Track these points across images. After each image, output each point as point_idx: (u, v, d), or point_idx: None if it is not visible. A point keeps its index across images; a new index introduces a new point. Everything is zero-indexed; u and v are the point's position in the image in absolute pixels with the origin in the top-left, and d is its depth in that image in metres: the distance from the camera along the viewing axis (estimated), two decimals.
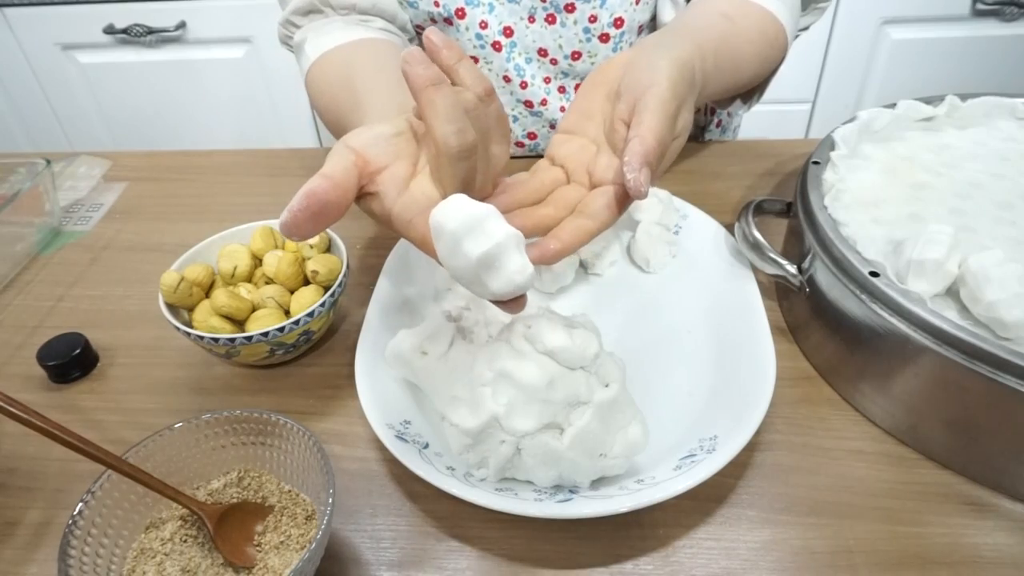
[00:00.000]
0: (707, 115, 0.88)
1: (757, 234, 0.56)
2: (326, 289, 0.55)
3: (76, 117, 1.59)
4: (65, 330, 0.59)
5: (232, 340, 0.51)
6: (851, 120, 0.63)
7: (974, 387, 0.43)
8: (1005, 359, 0.41)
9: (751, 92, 0.73)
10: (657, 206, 0.62)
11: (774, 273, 0.55)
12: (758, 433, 0.45)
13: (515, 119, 0.79)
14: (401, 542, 0.45)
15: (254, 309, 0.55)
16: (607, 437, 0.43)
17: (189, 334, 0.52)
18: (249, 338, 0.51)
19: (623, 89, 0.45)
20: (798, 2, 0.69)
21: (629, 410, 0.44)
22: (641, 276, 0.62)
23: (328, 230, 0.59)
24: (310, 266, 0.56)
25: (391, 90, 0.55)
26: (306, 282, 0.57)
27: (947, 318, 0.44)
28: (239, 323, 0.55)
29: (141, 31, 1.43)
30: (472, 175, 0.40)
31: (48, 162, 0.72)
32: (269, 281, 0.57)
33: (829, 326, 0.52)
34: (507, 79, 0.76)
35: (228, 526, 0.43)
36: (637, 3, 0.70)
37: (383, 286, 0.58)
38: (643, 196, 0.40)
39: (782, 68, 0.70)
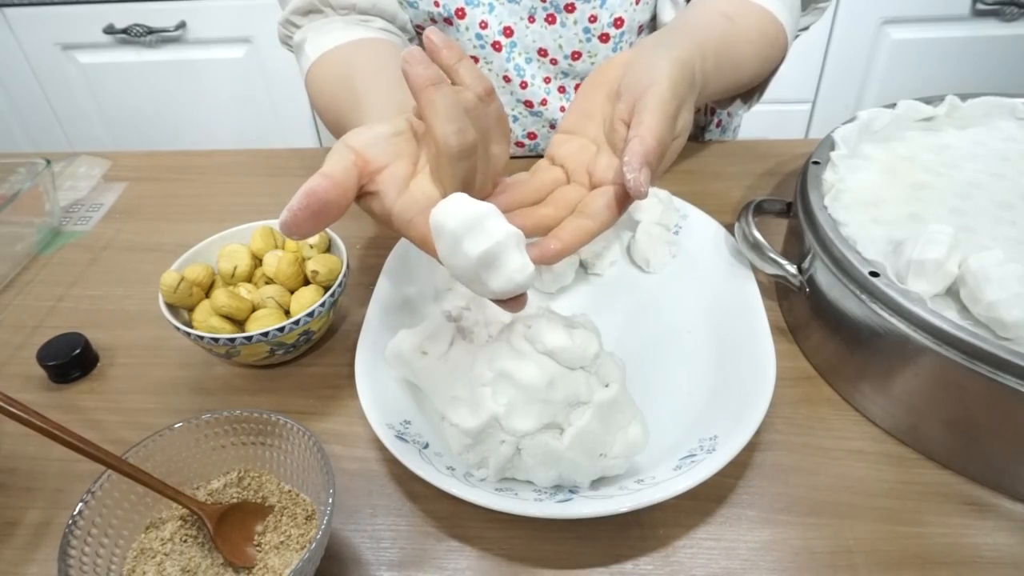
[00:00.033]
0: (707, 115, 0.88)
1: (757, 234, 0.56)
2: (326, 289, 0.55)
3: (76, 117, 1.59)
4: (65, 330, 0.59)
5: (232, 340, 0.51)
6: (851, 120, 0.63)
7: (974, 387, 0.43)
8: (1005, 359, 0.41)
9: (751, 92, 0.73)
10: (657, 206, 0.62)
11: (774, 273, 0.55)
12: (758, 433, 0.45)
13: (515, 119, 0.79)
14: (401, 542, 0.45)
15: (254, 309, 0.55)
16: (607, 437, 0.43)
17: (189, 334, 0.52)
18: (249, 338, 0.51)
19: (623, 89, 0.45)
20: (798, 2, 0.69)
21: (629, 410, 0.44)
22: (641, 276, 0.62)
23: (328, 230, 0.59)
24: (310, 266, 0.56)
25: (391, 90, 0.55)
26: (306, 282, 0.57)
27: (947, 318, 0.44)
28: (239, 323, 0.55)
29: (141, 31, 1.43)
30: (472, 174, 0.40)
31: (48, 162, 0.72)
32: (269, 281, 0.57)
33: (829, 326, 0.52)
34: (507, 79, 0.76)
35: (228, 526, 0.43)
36: (637, 3, 0.70)
37: (383, 286, 0.58)
38: (643, 196, 0.40)
39: (782, 68, 0.70)
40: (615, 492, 0.43)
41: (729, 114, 0.91)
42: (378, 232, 0.70)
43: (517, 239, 0.36)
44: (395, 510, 0.47)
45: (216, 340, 0.51)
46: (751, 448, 0.47)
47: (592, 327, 0.45)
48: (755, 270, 0.57)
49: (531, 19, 0.72)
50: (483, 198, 0.41)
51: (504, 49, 0.74)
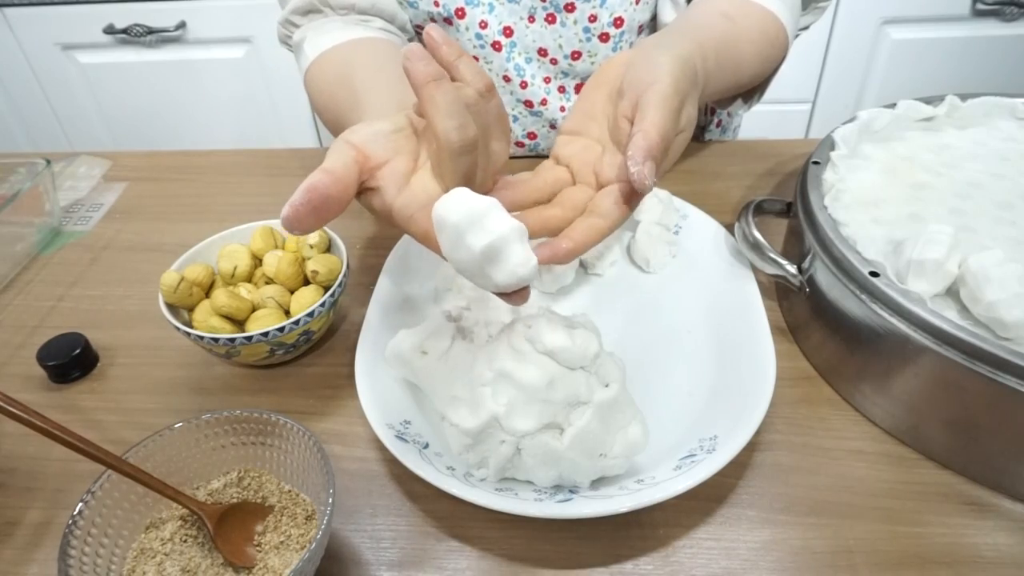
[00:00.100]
0: (707, 115, 0.88)
1: (757, 234, 0.56)
2: (326, 289, 0.55)
3: (76, 117, 1.59)
4: (65, 330, 0.59)
5: (232, 340, 0.51)
6: (851, 120, 0.63)
7: (974, 387, 0.43)
8: (1005, 359, 0.41)
9: (751, 92, 0.73)
10: (657, 206, 0.62)
11: (774, 273, 0.55)
12: (758, 433, 0.45)
13: (515, 119, 0.79)
14: (401, 542, 0.45)
15: (254, 309, 0.55)
16: (607, 437, 0.43)
17: (189, 334, 0.52)
18: (249, 338, 0.51)
19: (625, 87, 0.45)
20: (798, 1, 0.69)
21: (629, 410, 0.44)
22: (641, 276, 0.62)
23: (328, 230, 0.59)
24: (310, 266, 0.56)
25: (390, 88, 0.55)
26: (306, 282, 0.57)
27: (947, 318, 0.44)
28: (239, 323, 0.55)
29: (141, 31, 1.43)
30: (473, 170, 0.40)
31: (48, 162, 0.72)
32: (269, 281, 0.57)
33: (829, 326, 0.52)
34: (507, 79, 0.76)
35: (228, 526, 0.43)
36: (637, 3, 0.70)
37: (383, 286, 0.58)
38: (648, 189, 0.40)
39: (782, 68, 0.70)
40: (615, 492, 0.43)
41: (729, 114, 0.91)
42: (378, 232, 0.70)
43: (520, 233, 0.36)
44: (395, 510, 0.47)
45: (216, 340, 0.51)
46: (751, 448, 0.47)
47: (592, 327, 0.45)
48: (755, 270, 0.57)
49: (531, 19, 0.72)
50: (483, 194, 0.41)
51: (504, 49, 0.74)
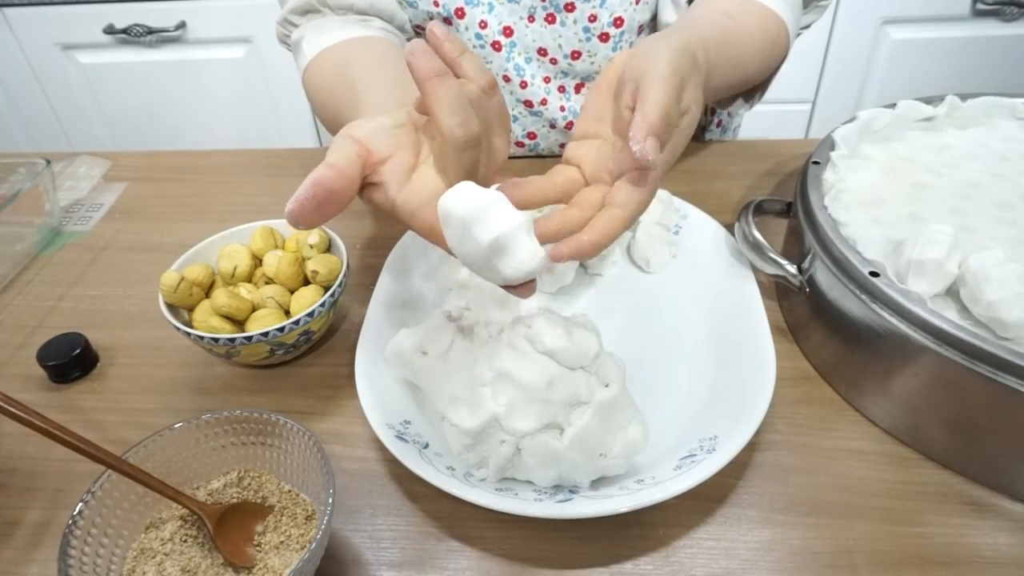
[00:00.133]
0: (707, 115, 0.88)
1: (757, 234, 0.56)
2: (326, 289, 0.55)
3: (76, 117, 1.58)
4: (65, 330, 0.59)
5: (232, 340, 0.51)
6: (851, 120, 0.63)
7: (974, 387, 0.43)
8: (1005, 359, 0.41)
9: (752, 91, 0.73)
10: (657, 206, 0.62)
11: (774, 273, 0.55)
12: (758, 433, 0.45)
13: (515, 119, 0.79)
14: (401, 542, 0.45)
15: (254, 309, 0.55)
16: (607, 437, 0.43)
17: (189, 334, 0.52)
18: (249, 338, 0.51)
19: (626, 78, 0.44)
20: (799, 0, 0.69)
21: (629, 410, 0.44)
22: (641, 276, 0.62)
23: (328, 230, 0.59)
24: (310, 266, 0.56)
25: (389, 86, 0.55)
26: (306, 282, 0.57)
27: (947, 318, 0.44)
28: (239, 323, 0.55)
29: (141, 31, 1.43)
30: (476, 166, 0.40)
31: (48, 162, 0.72)
32: (269, 281, 0.57)
33: (829, 326, 0.52)
34: (507, 79, 0.76)
35: (228, 526, 0.43)
36: (637, 3, 0.70)
37: (383, 286, 0.58)
38: (654, 165, 0.39)
39: (783, 67, 0.70)
40: (615, 492, 0.43)
41: (729, 114, 0.91)
42: (378, 232, 0.70)
43: (527, 225, 0.37)
44: (395, 510, 0.47)
45: (216, 340, 0.51)
46: (751, 448, 0.47)
47: (592, 327, 0.45)
48: (755, 270, 0.57)
49: (531, 19, 0.72)
50: None
51: (504, 49, 0.74)
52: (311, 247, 0.58)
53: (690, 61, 0.46)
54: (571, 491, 0.44)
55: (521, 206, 0.43)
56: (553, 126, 0.78)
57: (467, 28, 0.72)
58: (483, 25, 0.72)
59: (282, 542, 0.42)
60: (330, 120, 0.66)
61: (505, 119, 0.44)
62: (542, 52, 0.74)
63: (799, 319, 0.56)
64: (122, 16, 1.42)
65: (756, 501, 0.46)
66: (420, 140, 0.42)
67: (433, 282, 0.60)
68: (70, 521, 0.39)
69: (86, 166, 0.84)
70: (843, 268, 0.50)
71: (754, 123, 1.09)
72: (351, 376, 0.50)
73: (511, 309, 0.54)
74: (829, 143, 0.60)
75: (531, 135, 0.80)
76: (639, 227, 0.61)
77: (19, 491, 0.49)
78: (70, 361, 0.57)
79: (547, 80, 0.76)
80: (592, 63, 0.74)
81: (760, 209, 0.60)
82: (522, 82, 0.75)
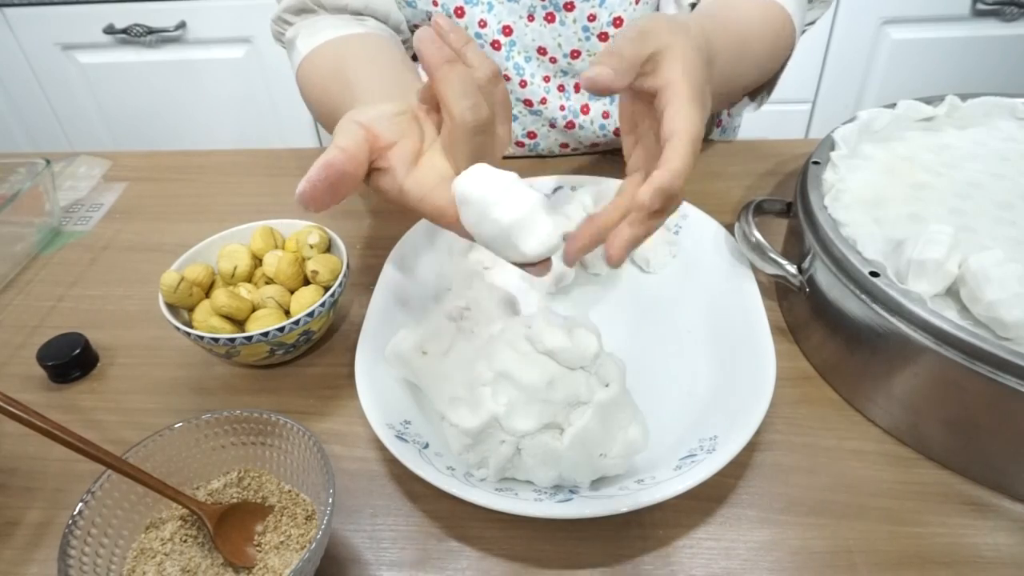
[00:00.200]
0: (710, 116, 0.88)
1: (757, 234, 0.56)
2: (326, 289, 0.55)
3: (76, 117, 1.59)
4: (65, 330, 0.59)
5: (232, 340, 0.51)
6: (851, 120, 0.63)
7: (974, 387, 0.43)
8: (1005, 359, 0.41)
9: (757, 90, 0.73)
10: None
11: (774, 273, 0.55)
12: (758, 433, 0.45)
13: (515, 118, 0.79)
14: (401, 542, 0.45)
15: (254, 309, 0.55)
16: (607, 437, 0.43)
17: (189, 334, 0.52)
18: (249, 338, 0.51)
19: (649, 78, 0.44)
20: None
21: (629, 410, 0.44)
22: (641, 276, 0.62)
23: (328, 230, 0.59)
24: (310, 266, 0.56)
25: (384, 80, 0.56)
26: (306, 282, 0.57)
27: (947, 318, 0.44)
28: (239, 323, 0.55)
29: (141, 31, 1.43)
30: (483, 150, 0.41)
31: (48, 162, 0.72)
32: (269, 281, 0.57)
33: (829, 326, 0.52)
34: (507, 77, 0.76)
35: (228, 526, 0.43)
36: (637, 3, 0.70)
37: (383, 286, 0.58)
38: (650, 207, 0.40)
39: (788, 66, 0.70)
40: (615, 492, 0.43)
41: (729, 114, 0.90)
42: (378, 232, 0.70)
43: (544, 205, 0.37)
44: (395, 510, 0.47)
45: (216, 340, 0.51)
46: (751, 448, 0.47)
47: (592, 327, 0.45)
48: (755, 270, 0.57)
49: (530, 18, 0.72)
50: None
51: (503, 48, 0.74)
52: (311, 247, 0.58)
53: (702, 54, 0.45)
54: (571, 491, 0.44)
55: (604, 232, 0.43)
56: (553, 125, 0.78)
57: (466, 27, 0.73)
58: (483, 24, 0.72)
59: (282, 542, 0.42)
60: (325, 116, 0.66)
61: (508, 108, 0.45)
62: (542, 51, 0.74)
63: (799, 319, 0.56)
64: (122, 16, 1.42)
65: (756, 501, 0.46)
66: (422, 128, 0.42)
67: (433, 282, 0.60)
68: (70, 521, 0.39)
69: (86, 166, 0.84)
70: (843, 268, 0.50)
71: (754, 123, 1.09)
72: (351, 376, 0.50)
73: (511, 309, 0.54)
74: (829, 143, 0.60)
75: (531, 135, 0.80)
76: None
77: (19, 491, 0.49)
78: (70, 361, 0.57)
79: (547, 79, 0.76)
80: None
81: (760, 209, 0.60)
82: (522, 81, 0.75)
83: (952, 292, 0.47)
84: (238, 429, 0.45)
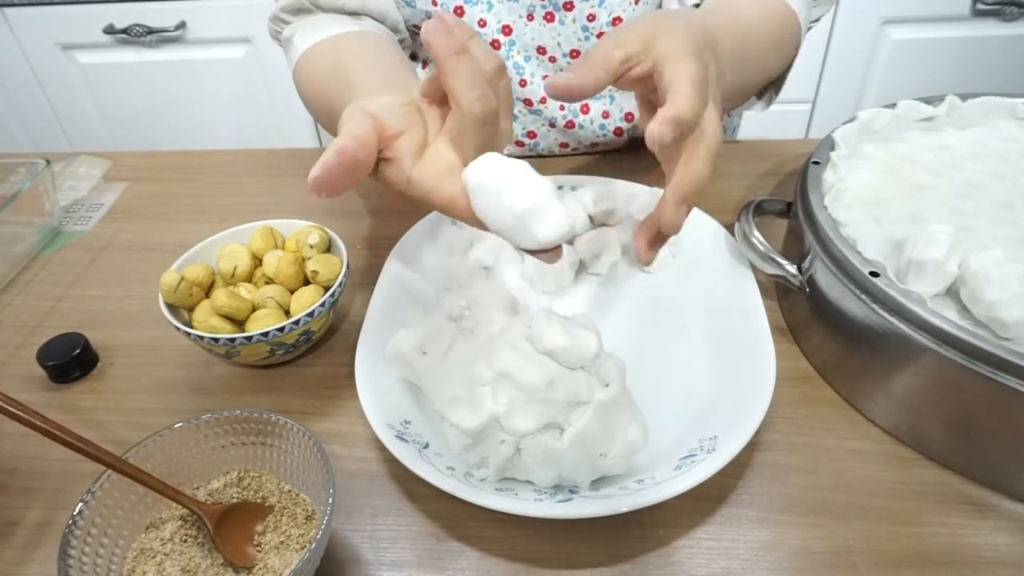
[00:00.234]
0: None
1: (757, 234, 0.56)
2: (326, 289, 0.55)
3: (76, 117, 1.59)
4: (65, 330, 0.59)
5: (232, 340, 0.51)
6: (851, 120, 0.63)
7: (974, 387, 0.43)
8: (1005, 359, 0.41)
9: (764, 89, 0.73)
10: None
11: (774, 273, 0.55)
12: (758, 433, 0.45)
13: (515, 117, 0.79)
14: (401, 542, 0.45)
15: (254, 309, 0.55)
16: (607, 437, 0.43)
17: (189, 334, 0.52)
18: (249, 338, 0.51)
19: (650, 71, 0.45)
20: None
21: (629, 410, 0.44)
22: (641, 276, 0.62)
23: (328, 230, 0.59)
24: (310, 266, 0.56)
25: (381, 76, 0.56)
26: (306, 282, 0.57)
27: (947, 318, 0.44)
28: (239, 323, 0.55)
29: (141, 31, 1.43)
30: (490, 141, 0.41)
31: (48, 162, 0.72)
32: (269, 281, 0.57)
33: (829, 326, 0.52)
34: None
35: (228, 526, 0.43)
36: (636, 3, 0.70)
37: (383, 286, 0.58)
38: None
39: (795, 64, 0.70)
40: (615, 492, 0.43)
41: (728, 114, 0.90)
42: (378, 232, 0.70)
43: (555, 192, 0.38)
44: (395, 510, 0.47)
45: (216, 340, 0.51)
46: (751, 448, 0.47)
47: (592, 327, 0.45)
48: (755, 270, 0.57)
49: (530, 17, 0.72)
50: None
51: (503, 47, 0.74)
52: (311, 247, 0.58)
53: (705, 45, 0.45)
54: (571, 491, 0.44)
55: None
56: (553, 125, 0.78)
57: None
58: (482, 23, 0.72)
59: (282, 542, 0.42)
60: (323, 112, 0.66)
61: (510, 103, 0.45)
62: (541, 50, 0.74)
63: (799, 319, 0.56)
64: (122, 16, 1.42)
65: (756, 501, 0.46)
66: (425, 120, 0.42)
67: (433, 282, 0.60)
68: (70, 521, 0.39)
69: (86, 166, 0.84)
70: (843, 268, 0.50)
71: (754, 123, 1.09)
72: (351, 376, 0.50)
73: (511, 309, 0.54)
74: (829, 143, 0.60)
75: (531, 134, 0.80)
76: None
77: (19, 491, 0.49)
78: (70, 361, 0.57)
79: (546, 78, 0.76)
80: None
81: (760, 209, 0.60)
82: (521, 80, 0.75)
83: (952, 292, 0.47)
84: (238, 429, 0.45)
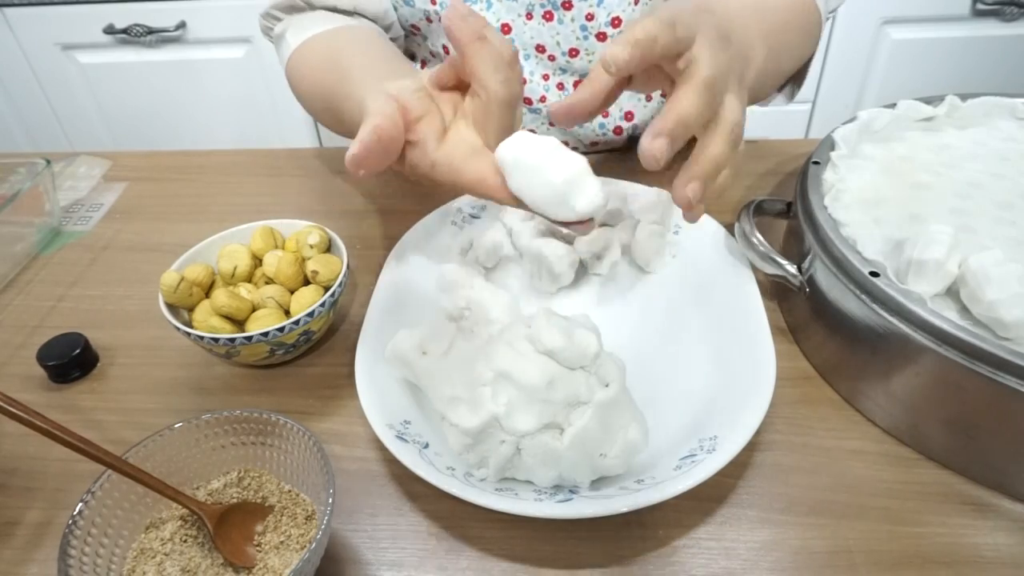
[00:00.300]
0: None
1: (757, 234, 0.56)
2: (326, 289, 0.55)
3: (76, 117, 1.59)
4: (65, 330, 0.59)
5: (232, 340, 0.51)
6: (851, 120, 0.63)
7: (974, 387, 0.43)
8: (1005, 359, 0.41)
9: (784, 83, 0.73)
10: (657, 206, 0.62)
11: (774, 273, 0.55)
12: (758, 433, 0.45)
13: None
14: (401, 542, 0.45)
15: (254, 309, 0.55)
16: (607, 437, 0.43)
17: (189, 334, 0.52)
18: (249, 338, 0.51)
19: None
20: None
21: (629, 410, 0.44)
22: (641, 276, 0.62)
23: (328, 230, 0.59)
24: (310, 266, 0.56)
25: (376, 68, 0.56)
26: (306, 282, 0.57)
27: (947, 318, 0.44)
28: (239, 323, 0.55)
29: (141, 31, 1.43)
30: (513, 123, 0.42)
31: (48, 162, 0.72)
32: (269, 281, 0.57)
33: (829, 326, 0.52)
34: None
35: (228, 526, 0.43)
36: (636, 3, 0.70)
37: (383, 286, 0.58)
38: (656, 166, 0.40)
39: (816, 55, 0.70)
40: (615, 492, 0.43)
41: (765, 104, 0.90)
42: (378, 232, 0.70)
43: (588, 165, 0.39)
44: (395, 510, 0.47)
45: (216, 340, 0.51)
46: (751, 448, 0.47)
47: (592, 327, 0.45)
48: (755, 270, 0.57)
49: (528, 16, 0.72)
50: None
51: None
52: (311, 247, 0.58)
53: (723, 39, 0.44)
54: (571, 491, 0.44)
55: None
56: (552, 124, 0.78)
57: None
58: None
59: (282, 542, 0.42)
60: (319, 105, 0.66)
61: (522, 90, 0.46)
62: (540, 49, 0.74)
63: (799, 319, 0.56)
64: (122, 16, 1.42)
65: (756, 501, 0.46)
66: (438, 107, 0.43)
67: (433, 282, 0.60)
68: (70, 521, 0.39)
69: (86, 166, 0.84)
70: (843, 268, 0.50)
71: (754, 123, 1.08)
72: (351, 376, 0.50)
73: (511, 309, 0.54)
74: (829, 143, 0.60)
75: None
76: (639, 227, 0.61)
77: (19, 491, 0.49)
78: (70, 361, 0.57)
79: (546, 77, 0.76)
80: (590, 61, 0.74)
81: (760, 209, 0.60)
82: (520, 79, 0.75)
83: (952, 292, 0.47)
84: (238, 429, 0.45)
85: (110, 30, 1.43)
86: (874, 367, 0.49)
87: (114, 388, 0.57)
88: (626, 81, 0.48)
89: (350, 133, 0.65)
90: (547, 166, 0.38)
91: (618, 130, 0.78)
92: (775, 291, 0.61)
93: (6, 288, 0.68)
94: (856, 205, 0.55)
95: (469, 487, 0.43)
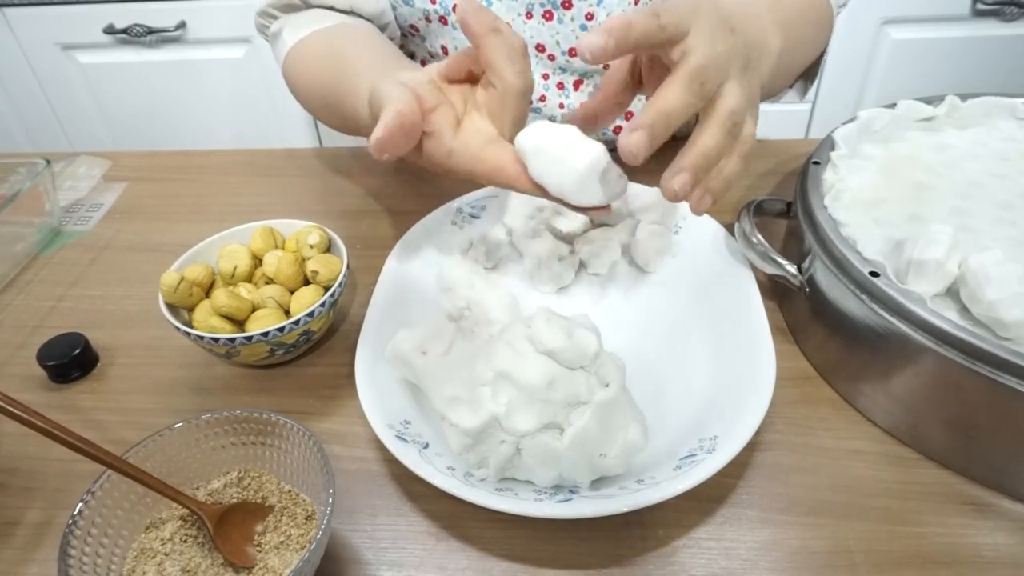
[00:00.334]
0: None
1: (757, 234, 0.56)
2: (326, 289, 0.55)
3: (76, 117, 1.59)
4: (65, 330, 0.59)
5: (232, 340, 0.51)
6: (851, 120, 0.63)
7: (974, 387, 0.43)
8: (1005, 359, 0.41)
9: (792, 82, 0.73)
10: (657, 206, 0.62)
11: (774, 273, 0.55)
12: (758, 433, 0.45)
13: None
14: (401, 542, 0.45)
15: (254, 309, 0.55)
16: (607, 437, 0.43)
17: (189, 334, 0.52)
18: (249, 338, 0.51)
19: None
20: None
21: (629, 410, 0.44)
22: (641, 276, 0.62)
23: (328, 230, 0.59)
24: (310, 266, 0.56)
25: (383, 61, 0.56)
26: (306, 282, 0.57)
27: (947, 318, 0.44)
28: (239, 323, 0.55)
29: (141, 31, 1.43)
30: (527, 113, 0.42)
31: (48, 162, 0.72)
32: (269, 281, 0.57)
33: (829, 326, 0.52)
34: None
35: (228, 526, 0.43)
36: (636, 2, 0.70)
37: (383, 286, 0.58)
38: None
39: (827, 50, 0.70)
40: (615, 492, 0.43)
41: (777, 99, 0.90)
42: (378, 232, 0.70)
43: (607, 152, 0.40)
44: (395, 510, 0.47)
45: (216, 340, 0.51)
46: (751, 448, 0.47)
47: (592, 327, 0.45)
48: (755, 270, 0.57)
49: (528, 15, 0.72)
50: None
51: None
52: (311, 247, 0.58)
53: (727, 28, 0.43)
54: (571, 491, 0.44)
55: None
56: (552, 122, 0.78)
57: None
58: None
59: (282, 542, 0.42)
60: (317, 103, 0.66)
61: (533, 82, 0.46)
62: (540, 48, 0.74)
63: (799, 319, 0.56)
64: (122, 16, 1.42)
65: (756, 501, 0.46)
66: (448, 99, 0.43)
67: (433, 282, 0.60)
68: (70, 521, 0.39)
69: (86, 166, 0.84)
70: (843, 268, 0.50)
71: None
72: (351, 376, 0.50)
73: (511, 309, 0.54)
74: (829, 143, 0.60)
75: None
76: (639, 227, 0.61)
77: (19, 491, 0.49)
78: (70, 361, 0.57)
79: (545, 77, 0.76)
80: None
81: (760, 209, 0.60)
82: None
83: (952, 292, 0.47)
84: (238, 429, 0.45)
85: (110, 30, 1.43)
86: (874, 367, 0.49)
87: (114, 388, 0.57)
88: (637, 83, 0.48)
89: (350, 129, 0.65)
90: (570, 153, 0.39)
91: (617, 130, 0.78)
92: (775, 291, 0.61)
93: (6, 288, 0.68)
94: (856, 205, 0.55)
95: (469, 487, 0.43)
